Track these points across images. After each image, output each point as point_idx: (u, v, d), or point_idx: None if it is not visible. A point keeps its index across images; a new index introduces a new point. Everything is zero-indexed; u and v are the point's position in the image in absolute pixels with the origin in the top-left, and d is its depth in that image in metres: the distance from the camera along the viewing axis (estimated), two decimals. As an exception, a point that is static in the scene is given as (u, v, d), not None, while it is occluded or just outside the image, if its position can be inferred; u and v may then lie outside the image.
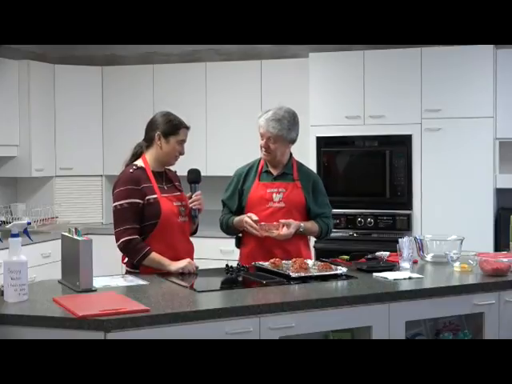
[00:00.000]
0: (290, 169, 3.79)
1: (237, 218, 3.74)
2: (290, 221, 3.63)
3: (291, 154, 3.84)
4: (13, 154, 5.91)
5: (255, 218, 3.65)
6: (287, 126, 3.69)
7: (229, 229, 3.82)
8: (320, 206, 3.81)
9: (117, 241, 3.40)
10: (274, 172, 3.79)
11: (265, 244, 3.66)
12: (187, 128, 3.55)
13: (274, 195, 3.73)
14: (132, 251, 3.38)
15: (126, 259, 3.51)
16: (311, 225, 3.76)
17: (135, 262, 3.39)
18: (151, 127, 3.52)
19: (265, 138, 3.71)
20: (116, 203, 3.41)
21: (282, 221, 3.62)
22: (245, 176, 3.82)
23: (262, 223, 3.62)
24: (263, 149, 3.74)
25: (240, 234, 3.83)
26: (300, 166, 3.86)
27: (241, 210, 3.79)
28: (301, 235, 3.72)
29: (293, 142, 3.78)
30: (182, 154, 3.53)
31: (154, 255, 3.37)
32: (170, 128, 3.48)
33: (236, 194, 3.81)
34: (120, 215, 3.39)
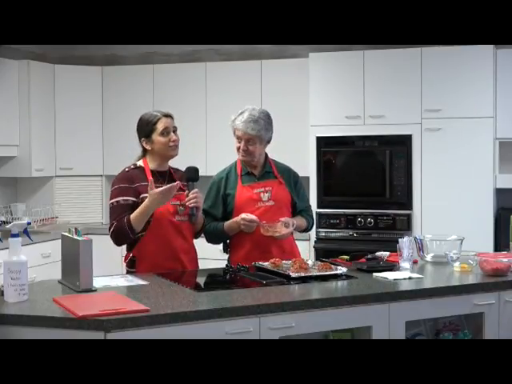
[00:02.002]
0: (269, 167, 3.80)
1: (228, 222, 3.68)
2: (289, 219, 3.65)
3: (266, 153, 3.84)
4: (13, 154, 5.91)
5: (253, 216, 3.62)
6: (264, 126, 3.69)
7: (217, 235, 3.74)
8: (302, 199, 3.88)
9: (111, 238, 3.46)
10: (256, 172, 3.78)
11: (261, 244, 3.64)
12: (165, 115, 3.52)
13: (262, 195, 3.72)
14: (120, 232, 3.38)
15: (128, 259, 3.51)
16: (300, 220, 3.81)
17: (132, 236, 3.39)
18: (138, 137, 3.55)
19: (243, 140, 3.70)
20: (109, 202, 3.47)
21: (283, 219, 3.63)
22: (225, 181, 3.77)
23: (263, 222, 3.61)
24: (241, 151, 3.71)
25: (227, 240, 3.80)
26: (276, 163, 3.87)
27: (226, 216, 3.73)
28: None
29: (269, 141, 3.78)
30: (173, 140, 3.50)
31: (133, 214, 3.36)
32: (145, 128, 3.50)
33: (219, 201, 3.74)
34: (112, 212, 3.45)
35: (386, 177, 5.40)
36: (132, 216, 3.37)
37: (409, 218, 5.33)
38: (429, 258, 3.72)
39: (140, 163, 3.51)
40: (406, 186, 5.36)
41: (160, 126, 3.48)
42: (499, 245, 5.06)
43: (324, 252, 5.19)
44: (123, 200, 3.40)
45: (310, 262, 3.38)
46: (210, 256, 4.92)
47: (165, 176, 3.54)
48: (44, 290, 3.02)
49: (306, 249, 5.34)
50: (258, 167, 3.78)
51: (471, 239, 3.89)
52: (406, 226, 5.32)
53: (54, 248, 4.99)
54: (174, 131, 3.53)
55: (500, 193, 5.40)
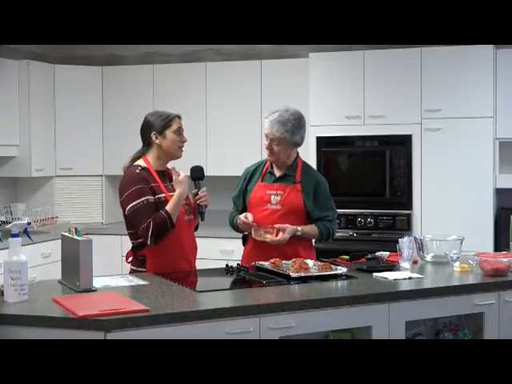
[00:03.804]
0: (293, 170, 3.78)
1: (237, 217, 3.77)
2: (286, 225, 3.62)
3: (298, 155, 3.83)
4: (13, 154, 5.91)
5: (250, 217, 3.67)
6: (291, 129, 3.67)
7: (235, 227, 3.85)
8: (322, 209, 3.78)
9: (145, 239, 3.37)
10: (277, 173, 3.79)
11: (262, 245, 3.66)
12: (178, 117, 3.55)
13: (272, 197, 3.73)
14: (162, 229, 3.35)
15: (130, 258, 3.51)
16: (310, 229, 3.75)
17: (172, 229, 3.37)
18: (145, 131, 3.53)
19: (269, 139, 3.72)
20: (131, 205, 3.38)
21: (277, 226, 3.62)
22: (250, 176, 3.85)
23: (256, 228, 3.64)
24: (267, 150, 3.74)
25: (246, 233, 3.83)
26: (305, 167, 3.83)
27: (245, 209, 3.81)
28: (299, 238, 3.70)
29: (297, 145, 3.76)
30: (184, 141, 3.54)
31: (170, 208, 3.37)
32: (161, 123, 3.49)
33: (241, 194, 3.85)
34: (139, 215, 3.37)
35: (385, 177, 5.40)
36: (170, 209, 3.36)
37: (409, 218, 5.33)
38: (429, 258, 3.72)
39: (143, 164, 3.50)
40: (406, 186, 5.36)
41: (175, 125, 3.51)
42: (499, 245, 5.06)
43: (324, 252, 5.17)
44: (146, 200, 3.37)
45: (310, 262, 3.38)
46: (210, 256, 4.93)
47: (165, 175, 3.55)
48: (44, 290, 3.02)
49: (305, 249, 5.34)
50: (282, 168, 3.79)
51: (471, 239, 3.89)
52: (406, 225, 5.32)
53: (54, 248, 5.00)
54: (183, 132, 3.56)
55: (500, 193, 5.40)
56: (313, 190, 3.76)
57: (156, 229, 3.34)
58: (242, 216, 3.70)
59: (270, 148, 3.72)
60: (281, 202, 3.72)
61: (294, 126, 3.68)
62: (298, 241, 3.71)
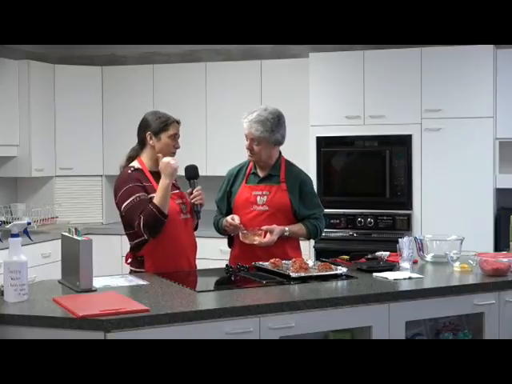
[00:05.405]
0: (277, 170, 3.75)
1: (224, 220, 3.73)
2: (273, 227, 3.60)
3: (280, 154, 3.81)
4: (13, 154, 5.90)
5: (237, 219, 3.64)
6: (270, 127, 3.64)
7: (220, 230, 3.81)
8: (308, 207, 3.76)
9: (142, 234, 3.37)
10: (261, 174, 3.76)
11: (249, 247, 3.63)
12: (177, 122, 3.55)
13: (258, 198, 3.71)
14: (153, 220, 3.33)
15: (130, 260, 3.51)
16: (298, 228, 3.72)
17: (164, 218, 3.35)
18: (141, 129, 3.54)
19: (249, 139, 3.68)
20: (124, 204, 3.40)
21: (264, 227, 3.60)
22: (234, 177, 3.81)
23: (244, 231, 3.61)
24: (248, 150, 3.71)
25: (232, 234, 3.80)
26: (289, 166, 3.80)
27: (230, 212, 3.77)
28: (287, 238, 3.68)
29: (278, 143, 3.73)
30: (177, 148, 3.54)
31: (156, 198, 3.35)
32: (159, 125, 3.49)
33: (225, 196, 3.81)
34: (132, 213, 3.38)
35: (386, 177, 5.40)
36: (156, 200, 3.35)
37: (409, 218, 5.33)
38: (429, 258, 3.72)
39: (137, 165, 3.50)
40: (406, 186, 5.36)
41: (172, 130, 3.51)
42: (499, 245, 5.06)
43: (324, 252, 5.18)
44: (138, 197, 3.38)
45: (310, 262, 3.38)
46: (210, 256, 4.92)
47: (160, 175, 3.55)
48: (44, 290, 3.02)
49: (305, 249, 5.33)
50: (265, 168, 3.76)
51: (471, 239, 3.89)
52: (406, 225, 5.32)
53: (54, 248, 4.99)
54: (178, 138, 3.56)
55: (500, 193, 5.40)
56: (298, 188, 3.74)
57: (146, 221, 3.33)
58: (228, 218, 3.67)
59: (250, 148, 3.69)
60: (267, 202, 3.69)
61: (273, 124, 3.65)
62: (286, 241, 3.69)
